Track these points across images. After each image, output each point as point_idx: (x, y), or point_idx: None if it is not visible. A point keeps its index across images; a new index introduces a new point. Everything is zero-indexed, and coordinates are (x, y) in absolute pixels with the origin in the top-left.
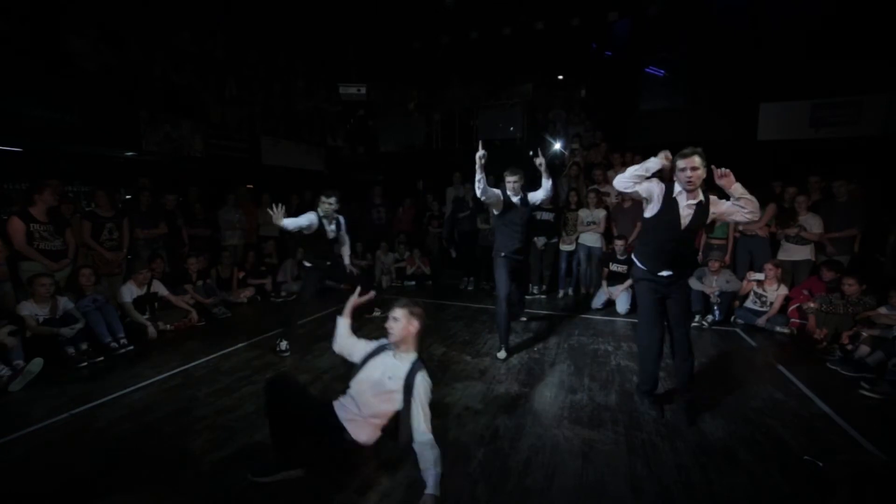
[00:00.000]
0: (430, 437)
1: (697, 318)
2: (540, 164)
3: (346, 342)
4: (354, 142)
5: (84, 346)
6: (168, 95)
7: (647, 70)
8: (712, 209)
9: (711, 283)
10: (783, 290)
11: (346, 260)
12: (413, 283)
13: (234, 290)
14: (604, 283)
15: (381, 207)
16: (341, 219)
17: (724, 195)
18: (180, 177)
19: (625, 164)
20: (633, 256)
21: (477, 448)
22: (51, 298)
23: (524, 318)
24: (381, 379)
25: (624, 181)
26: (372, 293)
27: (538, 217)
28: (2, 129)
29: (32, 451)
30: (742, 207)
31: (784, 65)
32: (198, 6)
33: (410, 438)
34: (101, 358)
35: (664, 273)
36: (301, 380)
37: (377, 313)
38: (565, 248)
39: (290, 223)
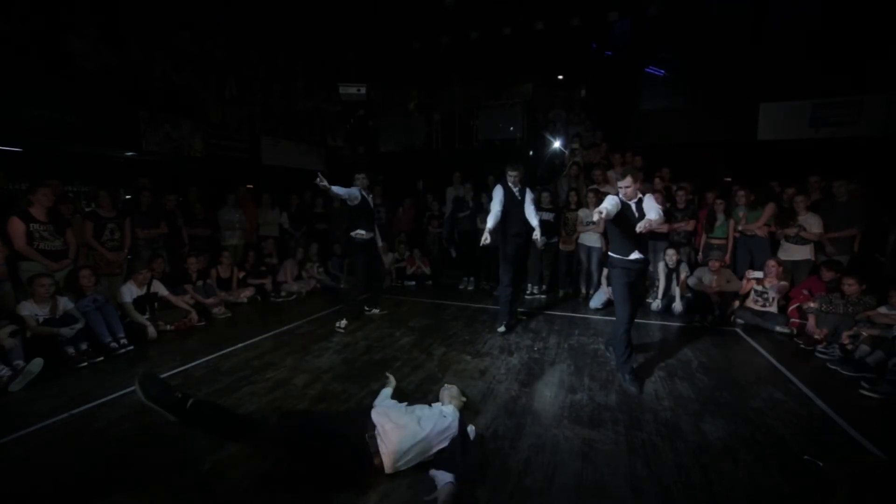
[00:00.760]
0: None
1: (697, 318)
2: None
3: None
4: (354, 142)
5: (84, 346)
6: (168, 95)
7: (647, 70)
8: (647, 207)
9: (711, 281)
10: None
11: (379, 241)
12: (413, 283)
13: (234, 289)
14: (604, 282)
15: (381, 207)
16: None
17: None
18: (180, 177)
19: (625, 164)
20: (609, 252)
21: (477, 448)
22: (51, 298)
23: (522, 310)
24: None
25: (606, 217)
26: None
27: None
28: (2, 129)
29: (32, 451)
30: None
31: (784, 65)
32: (198, 6)
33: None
34: (101, 358)
35: (633, 256)
36: (301, 380)
37: (376, 311)
38: (565, 248)
39: (338, 189)
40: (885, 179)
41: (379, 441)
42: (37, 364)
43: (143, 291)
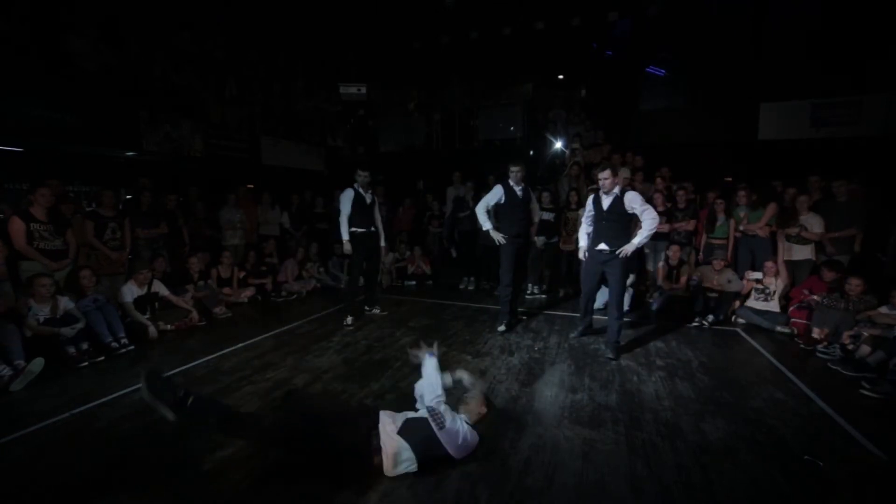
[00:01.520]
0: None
1: (697, 318)
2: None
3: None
4: (354, 142)
5: (85, 346)
6: (168, 95)
7: (647, 70)
8: (628, 203)
9: (712, 279)
10: (784, 279)
11: (381, 240)
12: (413, 282)
13: (235, 289)
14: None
15: (382, 207)
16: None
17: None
18: (180, 177)
19: (625, 164)
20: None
21: (477, 447)
22: (51, 298)
23: (522, 310)
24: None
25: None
26: None
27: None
28: (2, 129)
29: (32, 451)
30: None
31: (784, 65)
32: (198, 6)
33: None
34: (102, 358)
35: (600, 247)
36: (301, 379)
37: (376, 311)
38: (566, 248)
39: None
40: (886, 179)
41: (381, 441)
42: (37, 364)
43: (143, 291)
